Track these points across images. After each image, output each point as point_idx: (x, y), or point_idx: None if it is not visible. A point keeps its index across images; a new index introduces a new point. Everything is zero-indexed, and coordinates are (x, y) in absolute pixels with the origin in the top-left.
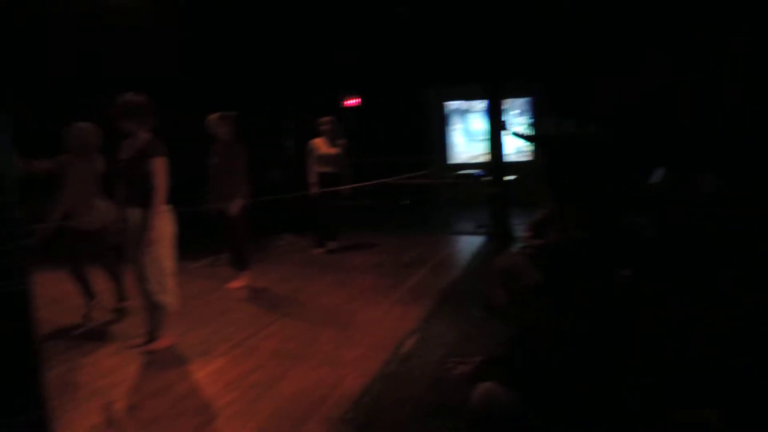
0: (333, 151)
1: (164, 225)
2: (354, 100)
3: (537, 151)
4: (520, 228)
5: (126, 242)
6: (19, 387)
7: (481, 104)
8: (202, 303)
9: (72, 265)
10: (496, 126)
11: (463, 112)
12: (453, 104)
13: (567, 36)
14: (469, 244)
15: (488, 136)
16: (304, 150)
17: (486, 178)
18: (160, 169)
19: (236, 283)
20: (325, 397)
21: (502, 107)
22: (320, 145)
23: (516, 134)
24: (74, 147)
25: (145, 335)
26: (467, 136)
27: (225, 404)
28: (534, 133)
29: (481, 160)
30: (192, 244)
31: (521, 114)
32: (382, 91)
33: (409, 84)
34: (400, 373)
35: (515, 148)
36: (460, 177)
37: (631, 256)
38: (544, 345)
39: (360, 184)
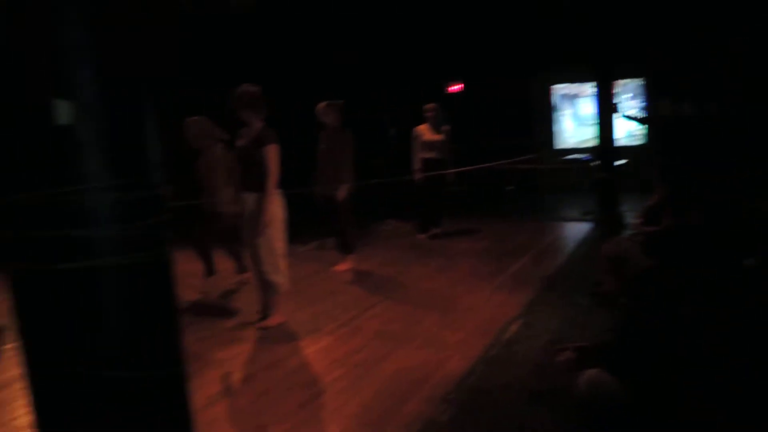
0: (437, 137)
1: (276, 209)
2: (457, 86)
3: (650, 134)
4: (629, 214)
5: (242, 225)
6: (162, 345)
7: (590, 87)
8: (310, 284)
9: (198, 244)
10: (607, 109)
11: (572, 96)
12: (561, 87)
13: (685, 9)
14: (574, 230)
15: (598, 120)
16: (409, 137)
17: (594, 163)
18: (272, 155)
19: (342, 266)
20: (428, 377)
21: (613, 90)
22: (424, 131)
23: (628, 117)
24: (192, 139)
25: (258, 313)
26: (575, 120)
27: (331, 380)
28: (647, 115)
29: (590, 144)
30: (300, 228)
31: (634, 96)
32: (486, 76)
33: (515, 68)
34: (503, 357)
35: (626, 132)
36: (567, 162)
37: (755, 244)
38: (654, 334)
39: (464, 169)
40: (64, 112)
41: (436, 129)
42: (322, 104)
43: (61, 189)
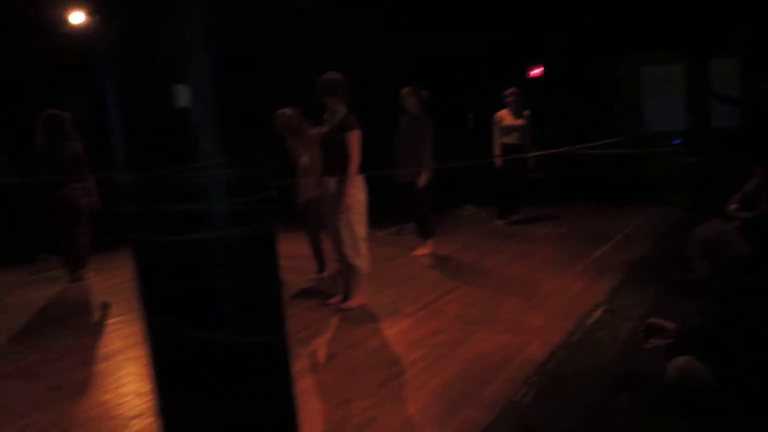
0: (518, 122)
1: (358, 193)
2: (538, 70)
3: (745, 116)
4: (723, 199)
5: (325, 209)
6: (268, 313)
7: (681, 68)
8: (390, 268)
9: (311, 229)
10: (699, 90)
11: (661, 78)
12: (649, 69)
13: None
14: (662, 216)
15: (690, 102)
16: (488, 122)
17: (685, 147)
18: (355, 141)
19: (421, 251)
20: (508, 360)
21: (707, 70)
22: (505, 116)
23: (721, 98)
24: (283, 130)
25: (341, 294)
26: (665, 103)
27: (412, 360)
28: (742, 96)
29: (680, 127)
30: (379, 213)
31: (728, 76)
32: (569, 58)
33: (601, 49)
34: (586, 342)
35: (719, 114)
36: (657, 146)
37: None
38: (750, 321)
39: (545, 152)
40: (184, 97)
41: (517, 114)
42: (405, 90)
43: (179, 166)
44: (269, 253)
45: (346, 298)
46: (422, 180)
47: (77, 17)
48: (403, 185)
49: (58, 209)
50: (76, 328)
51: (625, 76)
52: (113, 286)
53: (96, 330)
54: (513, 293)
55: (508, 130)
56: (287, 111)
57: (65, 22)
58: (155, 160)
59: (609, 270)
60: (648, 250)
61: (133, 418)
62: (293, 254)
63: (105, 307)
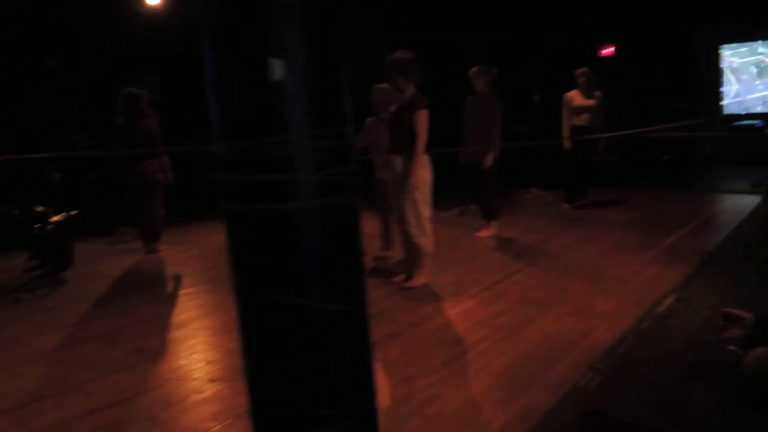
0: (589, 103)
1: (424, 172)
2: (609, 49)
3: None
4: None
5: (391, 188)
6: (350, 281)
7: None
8: (453, 248)
9: (381, 209)
10: None
11: (742, 56)
12: (729, 47)
13: None
14: (741, 203)
15: None
16: (554, 102)
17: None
18: (422, 120)
19: (484, 232)
20: (574, 344)
21: None
22: (575, 97)
23: None
24: (379, 105)
25: (404, 273)
26: (746, 83)
27: (475, 341)
28: None
29: (763, 109)
30: (443, 193)
31: None
32: (642, 37)
33: (676, 25)
34: (656, 330)
35: None
36: (736, 129)
37: None
38: None
39: (616, 134)
40: (277, 69)
41: (588, 94)
42: (474, 69)
43: (272, 138)
44: (353, 225)
45: (409, 277)
46: (488, 161)
47: None
48: (469, 166)
49: (135, 184)
50: (151, 296)
51: (705, 53)
52: (184, 259)
53: (170, 299)
54: (579, 277)
55: (579, 110)
56: (384, 86)
57: (142, 1)
58: (248, 132)
59: (682, 257)
60: (726, 238)
61: (208, 382)
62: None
63: (177, 278)
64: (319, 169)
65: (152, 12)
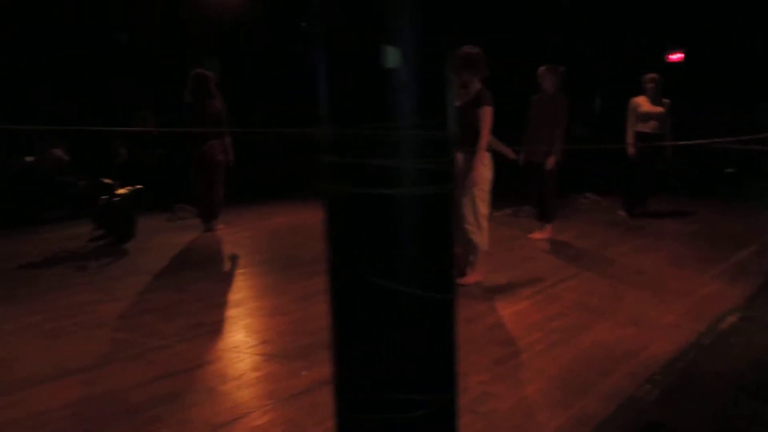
0: (656, 109)
1: (485, 170)
2: (678, 55)
3: None
4: None
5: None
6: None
7: None
8: (507, 248)
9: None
10: None
11: None
12: None
13: None
14: None
15: None
16: (615, 107)
17: None
18: (486, 117)
19: (539, 235)
20: (631, 355)
21: None
22: (642, 102)
23: None
24: None
25: (458, 269)
26: None
27: (529, 342)
28: None
29: None
30: (496, 192)
31: None
32: (714, 41)
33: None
34: (718, 347)
35: None
36: None
37: None
38: None
39: (682, 143)
40: (391, 57)
41: (656, 101)
42: (542, 68)
43: (380, 124)
44: (447, 213)
45: (463, 273)
46: (551, 162)
47: None
48: (529, 166)
49: (198, 163)
50: (207, 273)
51: None
52: (240, 239)
53: (226, 278)
54: (637, 287)
55: (645, 117)
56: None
57: None
58: (357, 117)
59: (746, 275)
60: None
61: (263, 361)
62: None
63: (233, 258)
64: (421, 156)
65: None
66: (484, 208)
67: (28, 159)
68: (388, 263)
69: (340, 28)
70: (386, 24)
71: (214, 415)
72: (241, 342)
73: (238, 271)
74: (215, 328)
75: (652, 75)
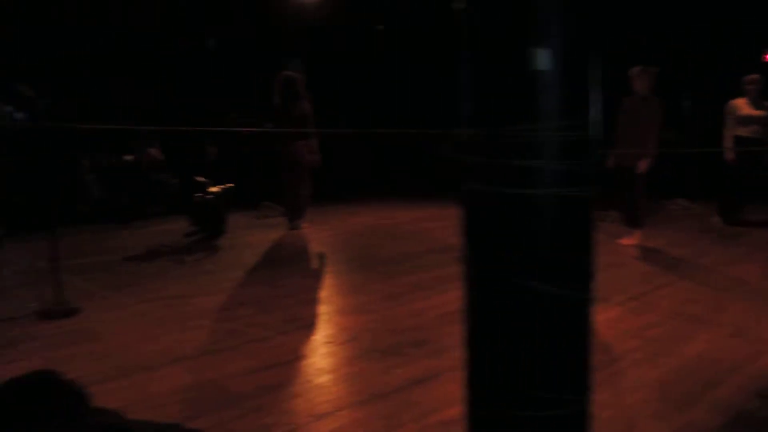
0: (758, 113)
1: None
2: None
3: None
4: None
5: None
6: (580, 270)
7: None
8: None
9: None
10: None
11: None
12: None
13: None
14: None
15: None
16: (706, 109)
17: None
18: None
19: (627, 240)
20: (738, 367)
21: None
22: (742, 105)
23: None
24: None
25: None
26: None
27: (625, 350)
28: None
29: None
30: None
31: None
32: None
33: None
34: None
35: None
36: None
37: None
38: None
39: None
40: (541, 60)
41: (757, 104)
42: (635, 69)
43: (525, 125)
44: (588, 215)
45: None
46: (643, 166)
47: None
48: (619, 169)
49: (285, 163)
50: (296, 270)
51: None
52: (324, 238)
53: (314, 275)
54: (739, 297)
55: (746, 121)
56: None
57: None
58: (503, 118)
59: None
60: None
61: (357, 357)
62: None
63: (319, 256)
64: (564, 158)
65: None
66: None
67: (127, 158)
68: (528, 263)
69: (491, 30)
70: (536, 27)
71: (315, 406)
72: (333, 337)
73: (325, 269)
74: (309, 322)
75: (754, 76)
